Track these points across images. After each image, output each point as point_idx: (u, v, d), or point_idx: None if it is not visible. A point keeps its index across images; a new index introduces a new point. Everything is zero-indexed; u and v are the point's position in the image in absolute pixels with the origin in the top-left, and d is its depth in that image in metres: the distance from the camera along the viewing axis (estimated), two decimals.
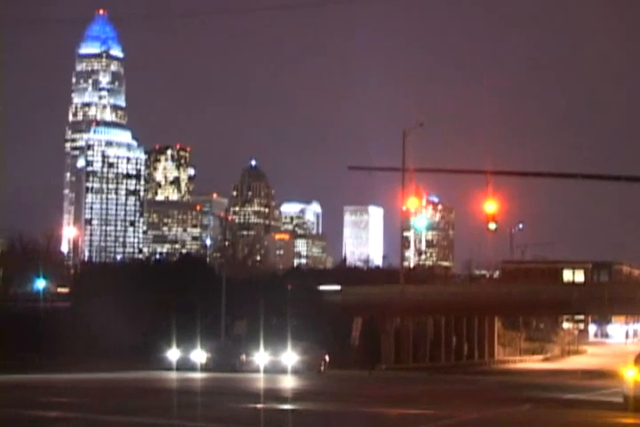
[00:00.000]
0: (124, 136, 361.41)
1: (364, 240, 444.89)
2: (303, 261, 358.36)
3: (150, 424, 24.15)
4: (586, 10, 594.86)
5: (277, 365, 59.27)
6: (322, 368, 61.84)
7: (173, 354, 62.93)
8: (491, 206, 59.72)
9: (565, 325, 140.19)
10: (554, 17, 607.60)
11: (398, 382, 53.69)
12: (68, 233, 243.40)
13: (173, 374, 54.02)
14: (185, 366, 60.31)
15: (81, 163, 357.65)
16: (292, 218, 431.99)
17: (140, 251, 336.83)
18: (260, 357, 60.20)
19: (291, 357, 59.85)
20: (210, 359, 61.92)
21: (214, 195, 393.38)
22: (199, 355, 62.21)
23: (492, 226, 55.38)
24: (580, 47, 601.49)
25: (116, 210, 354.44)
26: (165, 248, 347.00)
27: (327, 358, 63.52)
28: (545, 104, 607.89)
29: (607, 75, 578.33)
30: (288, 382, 46.68)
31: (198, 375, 53.72)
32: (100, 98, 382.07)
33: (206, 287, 79.40)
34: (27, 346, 69.00)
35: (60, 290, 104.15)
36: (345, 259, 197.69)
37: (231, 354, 61.91)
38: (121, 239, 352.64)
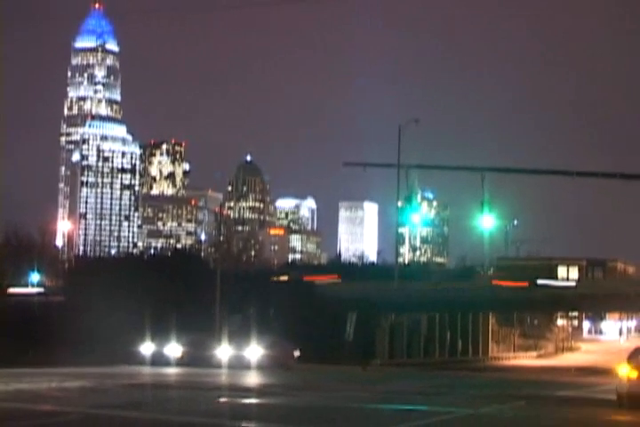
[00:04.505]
0: (120, 130, 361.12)
1: (359, 236, 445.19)
2: (298, 256, 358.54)
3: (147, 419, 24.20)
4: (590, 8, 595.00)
5: (241, 360, 57.43)
6: (290, 364, 58.92)
7: (147, 348, 61.84)
8: (487, 222, 59.85)
9: (559, 321, 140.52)
10: (557, 14, 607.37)
11: (389, 378, 53.67)
12: (63, 227, 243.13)
13: (140, 369, 52.98)
14: (160, 360, 59.29)
15: (76, 157, 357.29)
16: (286, 213, 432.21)
17: (135, 245, 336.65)
18: (222, 351, 58.72)
19: (255, 351, 57.88)
20: (185, 353, 60.39)
21: (209, 190, 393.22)
22: (174, 349, 60.85)
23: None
24: (580, 45, 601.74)
25: (111, 204, 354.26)
26: (160, 243, 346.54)
27: (297, 353, 60.95)
28: (542, 101, 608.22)
29: (606, 72, 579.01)
30: (236, 378, 45.49)
31: (160, 371, 52.42)
32: (96, 92, 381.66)
33: (201, 282, 79.40)
34: (20, 340, 68.96)
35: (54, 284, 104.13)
36: (339, 254, 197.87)
37: (206, 348, 59.93)
38: (116, 234, 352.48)
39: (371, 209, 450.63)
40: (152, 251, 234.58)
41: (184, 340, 61.25)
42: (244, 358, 57.62)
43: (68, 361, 56.27)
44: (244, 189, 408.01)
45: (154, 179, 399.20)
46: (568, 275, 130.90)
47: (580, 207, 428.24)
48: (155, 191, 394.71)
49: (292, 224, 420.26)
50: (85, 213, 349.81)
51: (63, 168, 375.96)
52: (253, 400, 30.80)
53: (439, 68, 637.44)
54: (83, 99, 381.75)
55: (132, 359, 60.26)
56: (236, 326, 73.70)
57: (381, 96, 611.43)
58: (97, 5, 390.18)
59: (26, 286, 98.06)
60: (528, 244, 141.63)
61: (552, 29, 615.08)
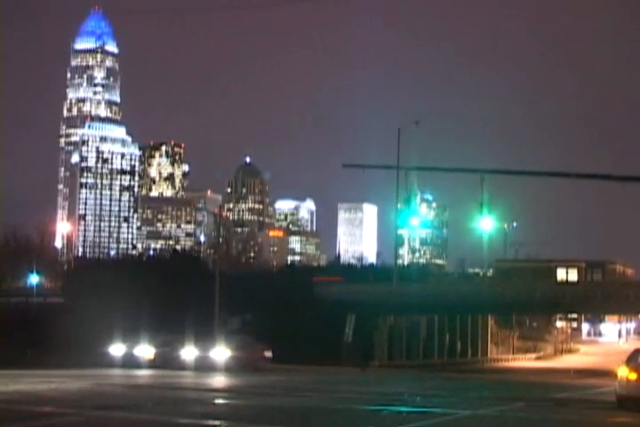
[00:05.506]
0: (119, 132, 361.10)
1: (358, 238, 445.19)
2: (297, 258, 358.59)
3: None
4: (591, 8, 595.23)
5: (206, 361, 55.70)
6: (260, 365, 56.77)
7: (117, 349, 60.60)
8: (487, 224, 59.85)
9: (558, 323, 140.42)
10: (557, 14, 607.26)
11: (387, 380, 53.59)
12: (62, 229, 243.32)
13: (106, 372, 51.31)
14: (130, 362, 58.07)
15: (75, 158, 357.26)
16: (286, 215, 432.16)
17: (134, 247, 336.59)
18: (187, 353, 57.10)
19: (221, 352, 56.17)
20: (158, 355, 58.76)
21: (208, 191, 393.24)
22: (146, 350, 59.44)
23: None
24: (580, 45, 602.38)
25: (110, 206, 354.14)
26: (159, 244, 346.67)
27: (268, 354, 58.91)
28: (542, 102, 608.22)
29: (606, 72, 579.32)
30: (205, 380, 44.57)
31: (127, 372, 50.99)
32: (95, 93, 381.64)
33: (200, 284, 79.39)
34: (19, 341, 68.97)
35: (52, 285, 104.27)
36: (339, 256, 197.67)
37: (178, 349, 58.07)
38: (115, 235, 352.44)
39: (370, 211, 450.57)
40: (151, 252, 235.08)
41: (156, 341, 59.70)
42: (209, 359, 55.99)
43: (39, 363, 55.24)
44: (244, 190, 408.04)
45: (153, 180, 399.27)
46: (567, 277, 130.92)
47: (580, 209, 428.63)
48: (154, 193, 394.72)
49: (291, 226, 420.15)
50: (84, 215, 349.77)
51: (62, 169, 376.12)
52: (249, 402, 30.75)
53: (439, 68, 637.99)
54: (82, 100, 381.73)
55: (103, 361, 59.09)
56: (235, 327, 73.73)
57: (381, 96, 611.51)
58: (96, 7, 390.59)
59: (25, 287, 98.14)
60: (527, 246, 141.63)
61: (552, 29, 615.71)
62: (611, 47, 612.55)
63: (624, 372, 29.51)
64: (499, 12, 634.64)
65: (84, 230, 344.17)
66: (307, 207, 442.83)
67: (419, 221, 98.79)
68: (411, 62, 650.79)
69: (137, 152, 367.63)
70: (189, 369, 54.35)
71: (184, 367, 55.05)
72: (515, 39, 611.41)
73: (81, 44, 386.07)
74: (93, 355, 61.45)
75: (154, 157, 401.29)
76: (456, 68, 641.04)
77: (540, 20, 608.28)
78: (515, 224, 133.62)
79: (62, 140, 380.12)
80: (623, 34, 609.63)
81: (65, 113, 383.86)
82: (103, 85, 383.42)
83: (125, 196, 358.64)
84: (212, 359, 55.92)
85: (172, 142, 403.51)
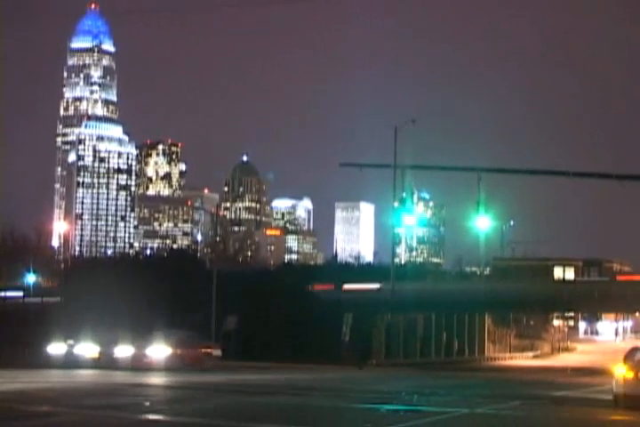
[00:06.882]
0: (116, 131, 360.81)
1: (355, 236, 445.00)
2: (294, 257, 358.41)
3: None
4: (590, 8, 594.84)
5: (142, 360, 52.50)
6: (204, 364, 53.17)
7: (56, 348, 58.12)
8: (483, 223, 59.86)
9: (555, 322, 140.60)
10: (557, 14, 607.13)
11: (385, 378, 53.56)
12: (59, 228, 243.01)
13: (37, 373, 48.31)
14: (70, 361, 55.56)
15: (72, 157, 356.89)
16: (283, 214, 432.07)
17: (131, 246, 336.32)
18: (121, 351, 54.09)
19: (159, 350, 52.72)
20: (103, 354, 55.74)
21: (205, 190, 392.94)
22: (87, 349, 56.67)
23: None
24: (580, 45, 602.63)
25: (107, 205, 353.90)
26: (156, 243, 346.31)
27: (216, 351, 55.90)
28: (542, 102, 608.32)
29: (606, 72, 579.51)
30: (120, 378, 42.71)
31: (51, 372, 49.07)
32: (92, 92, 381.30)
33: (197, 282, 79.37)
34: (14, 340, 68.87)
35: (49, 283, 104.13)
36: (336, 255, 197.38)
37: (114, 347, 55.11)
38: (112, 234, 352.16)
39: (367, 209, 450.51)
40: (148, 251, 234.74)
41: (100, 339, 56.79)
42: (146, 357, 52.83)
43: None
44: (241, 189, 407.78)
45: (150, 179, 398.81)
46: (564, 275, 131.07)
47: (577, 208, 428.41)
48: (151, 192, 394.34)
49: (288, 225, 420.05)
50: (81, 214, 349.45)
51: (59, 169, 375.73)
52: (255, 399, 30.72)
53: (439, 68, 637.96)
54: (79, 99, 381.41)
55: (39, 361, 57.05)
56: (232, 326, 73.63)
57: (380, 96, 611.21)
58: (93, 6, 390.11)
59: (22, 286, 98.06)
60: (524, 245, 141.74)
61: (552, 29, 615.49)
62: (611, 47, 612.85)
63: (621, 370, 29.50)
64: (499, 12, 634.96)
65: (81, 230, 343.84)
66: (304, 206, 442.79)
67: (415, 220, 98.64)
68: (411, 62, 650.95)
69: (134, 151, 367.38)
70: (123, 369, 51.23)
71: (117, 367, 52.16)
72: (515, 39, 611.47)
73: (78, 43, 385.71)
74: (34, 355, 59.58)
75: (151, 155, 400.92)
76: (456, 68, 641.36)
77: (540, 20, 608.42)
78: (512, 223, 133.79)
79: (59, 140, 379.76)
80: (623, 34, 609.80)
81: (62, 112, 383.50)
82: (100, 84, 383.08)
83: (122, 195, 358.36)
84: (149, 357, 52.78)
85: (169, 141, 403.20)
